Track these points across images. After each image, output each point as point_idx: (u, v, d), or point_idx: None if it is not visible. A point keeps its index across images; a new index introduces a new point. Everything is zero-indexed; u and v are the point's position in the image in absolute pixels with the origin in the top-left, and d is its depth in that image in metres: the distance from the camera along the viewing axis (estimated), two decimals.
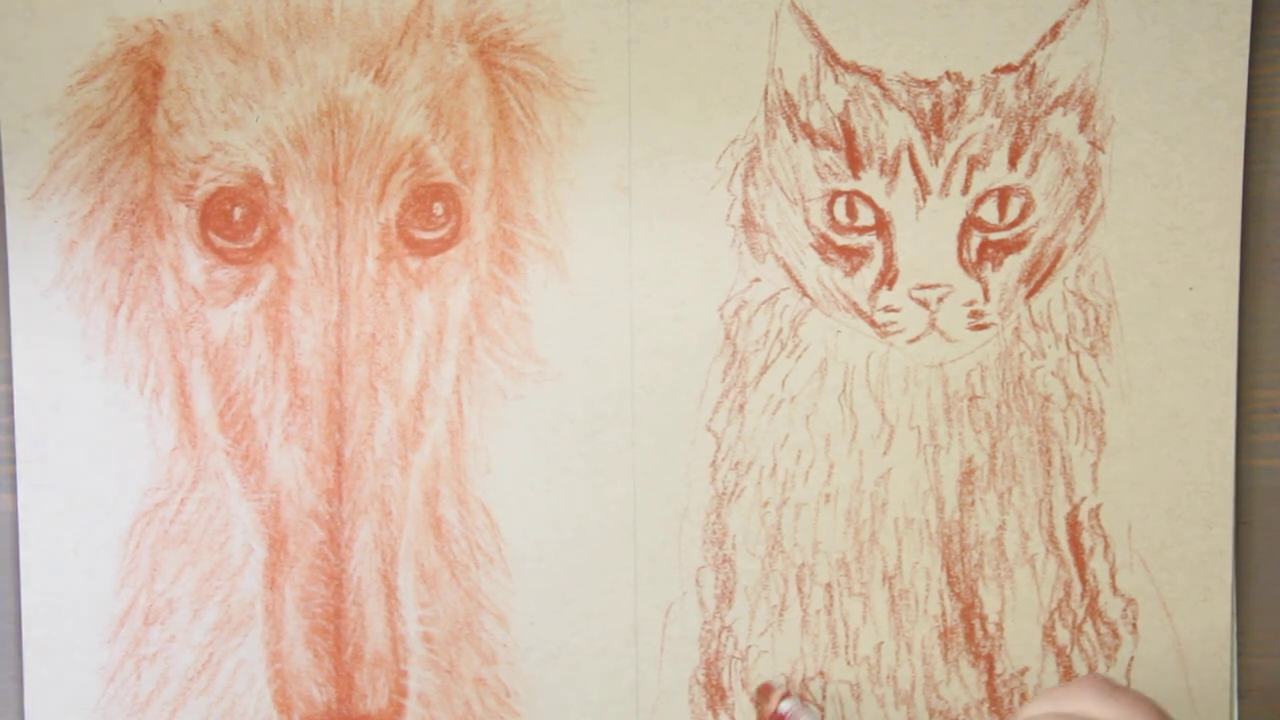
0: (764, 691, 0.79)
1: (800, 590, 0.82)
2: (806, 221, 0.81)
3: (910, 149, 0.80)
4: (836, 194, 0.80)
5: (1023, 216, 0.80)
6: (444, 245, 0.81)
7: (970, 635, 0.82)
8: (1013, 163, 0.80)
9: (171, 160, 0.81)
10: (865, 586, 0.82)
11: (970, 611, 0.82)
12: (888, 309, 0.81)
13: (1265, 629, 0.83)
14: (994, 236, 0.80)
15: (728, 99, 0.81)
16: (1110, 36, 0.80)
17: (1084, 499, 0.82)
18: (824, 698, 0.83)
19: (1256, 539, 0.83)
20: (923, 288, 0.80)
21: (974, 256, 0.80)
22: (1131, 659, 0.82)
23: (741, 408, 0.82)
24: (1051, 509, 0.82)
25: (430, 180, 0.81)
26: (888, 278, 0.80)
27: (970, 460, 0.82)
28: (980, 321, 0.81)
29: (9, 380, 0.82)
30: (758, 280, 0.81)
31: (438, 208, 0.81)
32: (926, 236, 0.80)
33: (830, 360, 0.81)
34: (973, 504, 0.82)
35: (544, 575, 0.82)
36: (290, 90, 0.80)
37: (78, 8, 0.80)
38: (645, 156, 0.81)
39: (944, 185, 0.80)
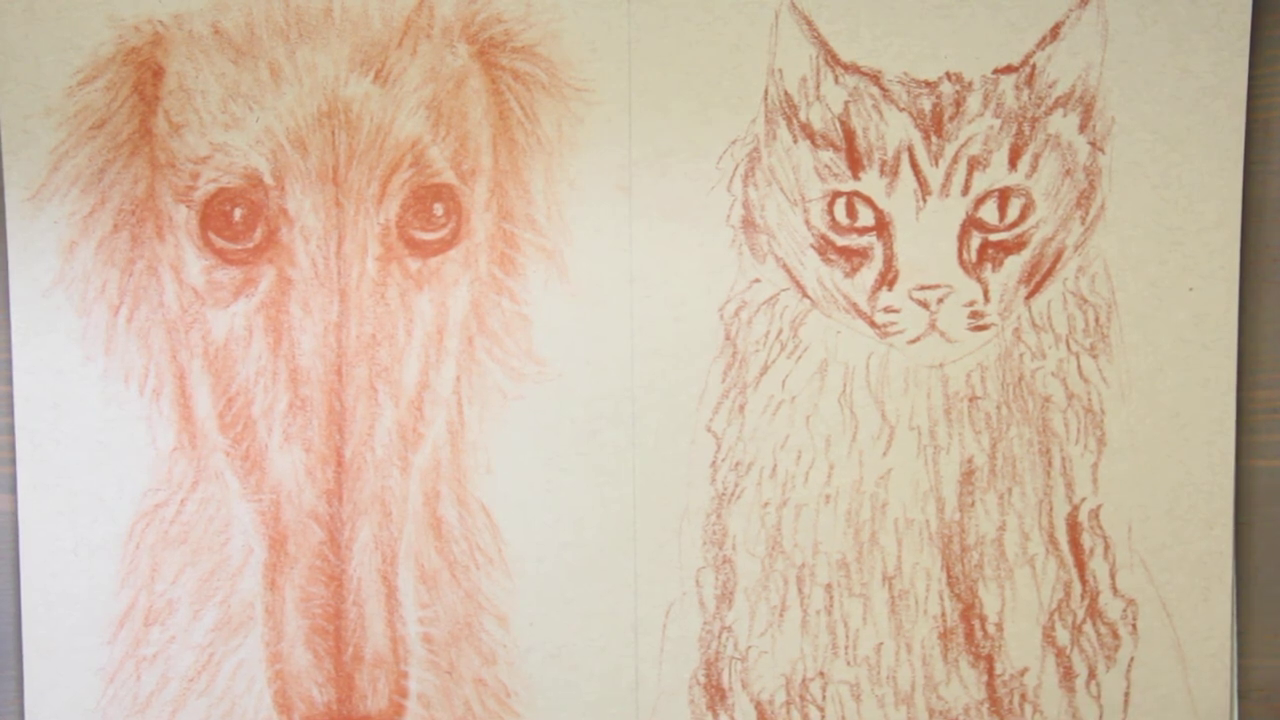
0: None
1: (800, 591, 0.82)
2: (807, 222, 0.81)
3: (910, 150, 0.80)
4: (837, 195, 0.80)
5: (1023, 217, 0.80)
6: (444, 246, 0.81)
7: (970, 636, 0.82)
8: (1013, 163, 0.80)
9: (172, 161, 0.81)
10: (865, 587, 0.82)
11: (970, 612, 0.82)
12: (888, 310, 0.81)
13: (1265, 629, 0.83)
14: (994, 237, 0.80)
15: (728, 99, 0.81)
16: (1110, 37, 0.80)
17: (1084, 499, 0.82)
18: (824, 698, 0.83)
19: (1256, 539, 0.83)
20: (923, 288, 0.80)
21: (974, 257, 0.80)
22: (1131, 659, 0.82)
23: (742, 408, 0.82)
24: (1051, 509, 0.82)
25: (430, 181, 0.81)
26: (888, 278, 0.80)
27: (970, 461, 0.82)
28: (980, 322, 0.81)
29: (9, 380, 0.82)
30: (758, 281, 0.81)
31: (438, 208, 0.81)
32: (927, 237, 0.80)
33: (830, 361, 0.81)
34: (973, 504, 0.82)
35: (544, 575, 0.82)
36: (290, 91, 0.80)
37: (78, 8, 0.80)
38: (645, 156, 0.81)
39: (944, 186, 0.80)
